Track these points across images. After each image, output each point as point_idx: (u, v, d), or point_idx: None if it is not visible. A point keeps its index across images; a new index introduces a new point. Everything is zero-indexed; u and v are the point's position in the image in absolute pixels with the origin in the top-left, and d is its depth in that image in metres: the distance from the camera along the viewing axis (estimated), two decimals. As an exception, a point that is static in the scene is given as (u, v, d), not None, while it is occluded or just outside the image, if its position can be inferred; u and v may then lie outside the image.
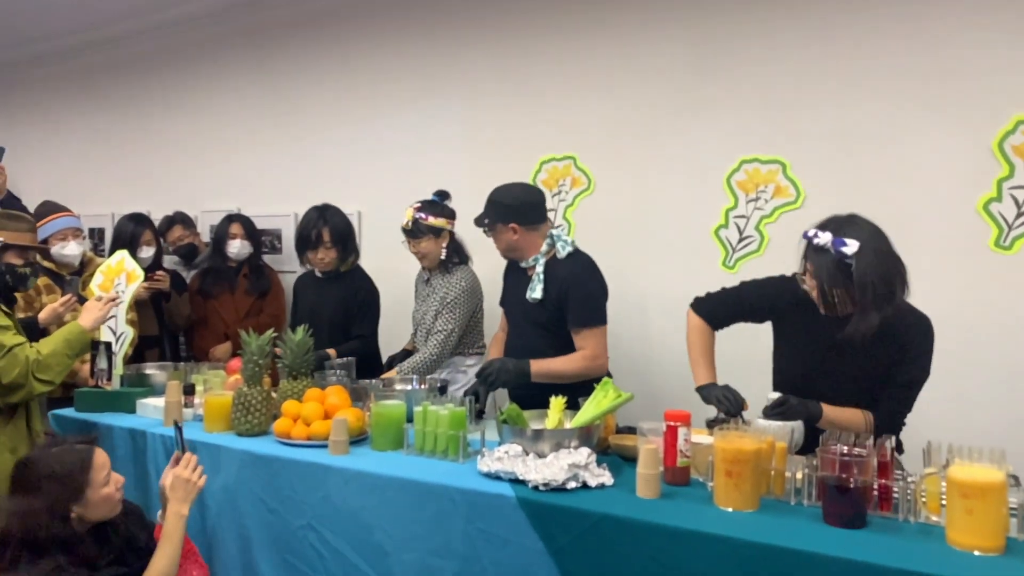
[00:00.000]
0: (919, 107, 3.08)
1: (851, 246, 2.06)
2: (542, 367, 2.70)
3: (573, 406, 2.32)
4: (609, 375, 2.88)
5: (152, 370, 3.24)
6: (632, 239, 3.67)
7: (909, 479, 1.80)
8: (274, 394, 2.67)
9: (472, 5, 4.10)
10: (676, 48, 3.57)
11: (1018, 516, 1.65)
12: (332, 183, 4.53)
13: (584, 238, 3.77)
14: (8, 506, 1.89)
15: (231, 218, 4.30)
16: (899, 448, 2.28)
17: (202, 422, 2.66)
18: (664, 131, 3.60)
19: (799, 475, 1.89)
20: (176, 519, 2.08)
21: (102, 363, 3.01)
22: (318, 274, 3.54)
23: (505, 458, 2.07)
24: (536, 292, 2.78)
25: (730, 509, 1.84)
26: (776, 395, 2.19)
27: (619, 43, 3.70)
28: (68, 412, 2.94)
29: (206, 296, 4.25)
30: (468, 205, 3.78)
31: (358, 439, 2.46)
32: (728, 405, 2.26)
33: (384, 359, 3.47)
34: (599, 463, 2.08)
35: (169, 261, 4.47)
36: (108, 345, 3.03)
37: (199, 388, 2.91)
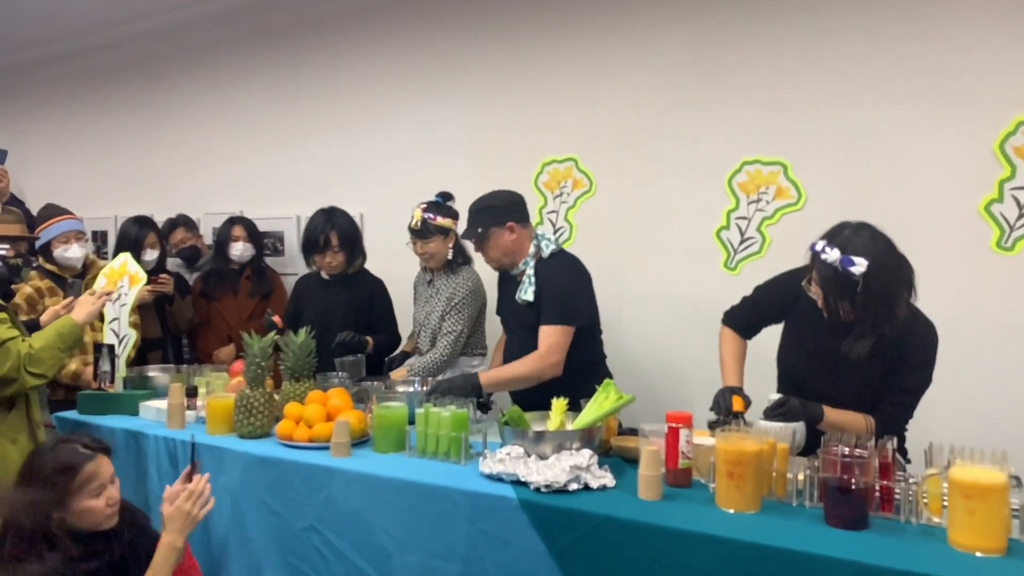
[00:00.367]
0: (920, 108, 3.08)
1: (859, 265, 2.05)
2: (491, 377, 2.68)
3: (575, 408, 2.32)
4: (610, 376, 2.88)
5: (154, 372, 3.25)
6: (633, 241, 3.67)
7: (911, 480, 1.80)
8: (276, 396, 2.67)
9: (474, 8, 4.11)
10: (677, 50, 3.57)
11: (1020, 517, 1.65)
12: (334, 185, 4.54)
13: (585, 240, 3.80)
14: (6, 495, 1.90)
15: (233, 220, 4.31)
16: (903, 453, 2.28)
17: (204, 424, 2.67)
18: (665, 133, 3.60)
19: (801, 476, 1.89)
20: (168, 550, 1.99)
21: (105, 366, 3.02)
22: (324, 276, 3.54)
23: (507, 460, 2.08)
24: (527, 294, 2.75)
25: (732, 510, 1.84)
26: (777, 396, 2.19)
27: (621, 45, 3.71)
28: (71, 414, 2.95)
29: (209, 298, 4.25)
30: (464, 206, 3.80)
31: (360, 441, 2.46)
32: (718, 408, 2.26)
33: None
34: (601, 465, 2.08)
35: (172, 264, 4.47)
36: (111, 348, 3.04)
37: (201, 390, 2.92)
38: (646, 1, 3.64)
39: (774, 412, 2.15)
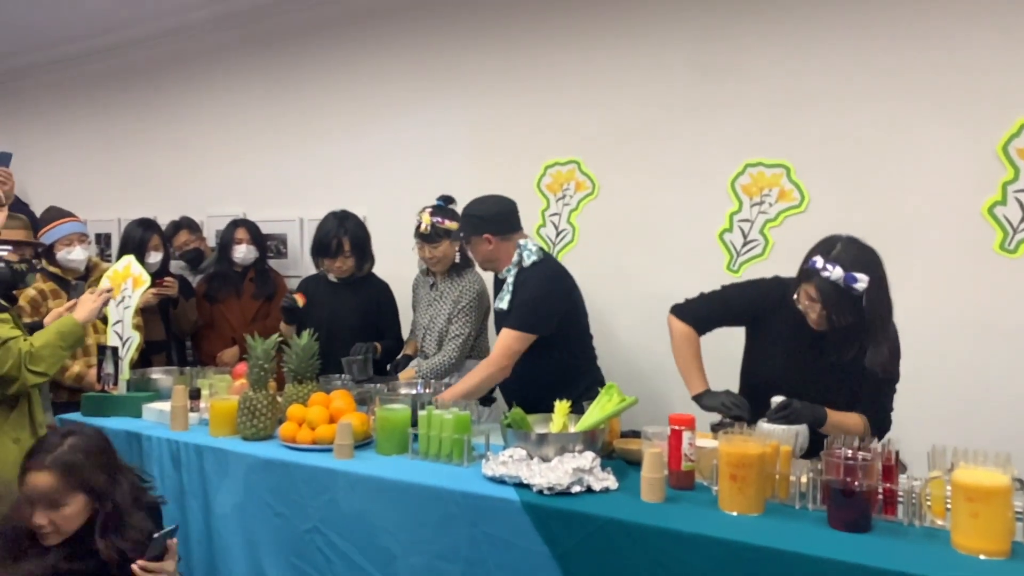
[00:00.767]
0: (924, 110, 3.08)
1: (862, 282, 2.12)
2: (451, 394, 2.66)
3: (578, 410, 2.32)
4: (601, 377, 2.89)
5: (158, 375, 3.26)
6: (636, 243, 3.67)
7: (914, 483, 1.79)
8: (279, 398, 2.67)
9: (476, 10, 4.11)
10: (679, 52, 3.57)
11: (1024, 520, 1.65)
12: (337, 188, 4.55)
13: (588, 242, 3.80)
14: (8, 493, 1.94)
15: (236, 223, 4.32)
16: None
17: (208, 426, 2.67)
18: (668, 135, 3.61)
19: (804, 479, 1.89)
20: None
21: (108, 368, 3.03)
22: (332, 279, 3.54)
23: (510, 462, 2.08)
24: (503, 303, 2.83)
25: (735, 513, 1.84)
26: (780, 399, 2.19)
27: (623, 47, 3.71)
28: (75, 416, 2.95)
29: (212, 301, 4.26)
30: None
31: (363, 443, 2.46)
32: (736, 410, 2.27)
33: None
34: (603, 467, 2.08)
35: (175, 266, 4.48)
36: (115, 350, 3.04)
37: (205, 392, 2.92)
38: (649, 3, 3.64)
39: (777, 415, 2.15)
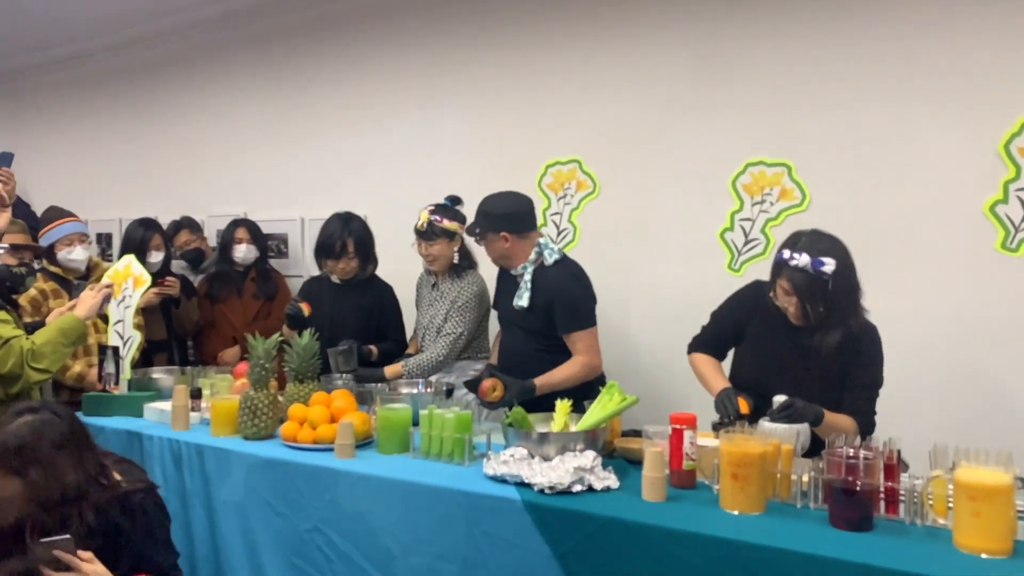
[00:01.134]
0: (925, 109, 3.07)
1: (829, 265, 2.20)
2: (544, 382, 2.70)
3: (578, 409, 2.32)
4: (604, 377, 2.89)
5: (159, 374, 3.26)
6: (637, 242, 3.67)
7: (916, 482, 1.79)
8: (280, 398, 2.68)
9: (478, 10, 4.11)
10: (681, 51, 3.57)
11: (1026, 519, 1.65)
12: (338, 188, 4.55)
13: (589, 242, 3.80)
14: None
15: (237, 223, 4.32)
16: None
17: (209, 426, 2.67)
18: (669, 134, 3.60)
19: (805, 478, 1.89)
20: None
21: (109, 367, 3.03)
22: (335, 280, 3.54)
23: (511, 461, 2.08)
24: (523, 300, 2.82)
25: (736, 512, 1.83)
26: (782, 398, 2.19)
27: (624, 46, 3.71)
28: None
29: (214, 301, 4.26)
30: (473, 209, 3.79)
31: (364, 443, 2.46)
32: (724, 411, 2.28)
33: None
34: (604, 466, 2.08)
35: (176, 266, 4.48)
36: (116, 349, 3.04)
37: (206, 392, 2.92)
38: (651, 3, 3.64)
39: (779, 414, 2.15)
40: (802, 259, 2.21)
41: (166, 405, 2.83)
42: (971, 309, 2.99)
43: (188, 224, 4.62)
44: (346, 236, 3.41)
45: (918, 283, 3.04)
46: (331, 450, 2.36)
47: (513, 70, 4.01)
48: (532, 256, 2.85)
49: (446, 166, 4.19)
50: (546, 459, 2.06)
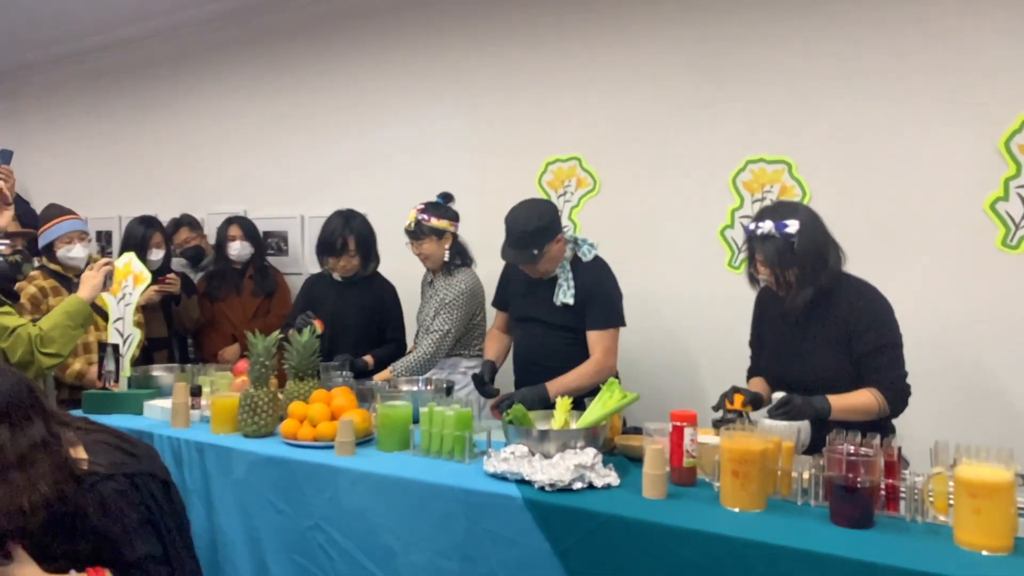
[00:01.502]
0: (926, 106, 3.07)
1: (792, 226, 2.24)
2: (557, 387, 2.67)
3: (579, 406, 2.32)
4: (616, 375, 2.89)
5: (159, 372, 3.25)
6: (638, 240, 3.67)
7: (916, 479, 1.79)
8: (280, 395, 2.67)
9: (478, 7, 4.11)
10: (681, 48, 3.57)
11: (1026, 516, 1.64)
12: (338, 185, 4.54)
13: (590, 239, 3.79)
14: None
15: (230, 220, 4.33)
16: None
17: (209, 424, 2.67)
18: (669, 131, 3.60)
19: (806, 475, 1.89)
20: None
21: (109, 365, 3.03)
22: (337, 278, 3.54)
23: (511, 459, 2.07)
24: (568, 297, 2.80)
25: (737, 509, 1.83)
26: (781, 395, 2.19)
27: (624, 43, 3.70)
28: (76, 414, 2.95)
29: (213, 299, 4.26)
30: (474, 206, 3.79)
31: (364, 440, 2.46)
32: (719, 403, 2.30)
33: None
34: (605, 464, 2.08)
35: (176, 263, 4.48)
36: (115, 347, 3.04)
37: (206, 390, 2.92)
38: (650, 1, 3.63)
39: (777, 411, 2.15)
40: (766, 225, 2.26)
41: (166, 403, 2.83)
42: (972, 306, 2.99)
43: (188, 222, 4.63)
44: (347, 233, 3.40)
45: (918, 280, 3.04)
46: (331, 448, 2.36)
47: (513, 68, 4.01)
48: (567, 253, 2.84)
49: (446, 163, 4.18)
50: (547, 456, 2.06)
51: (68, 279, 3.63)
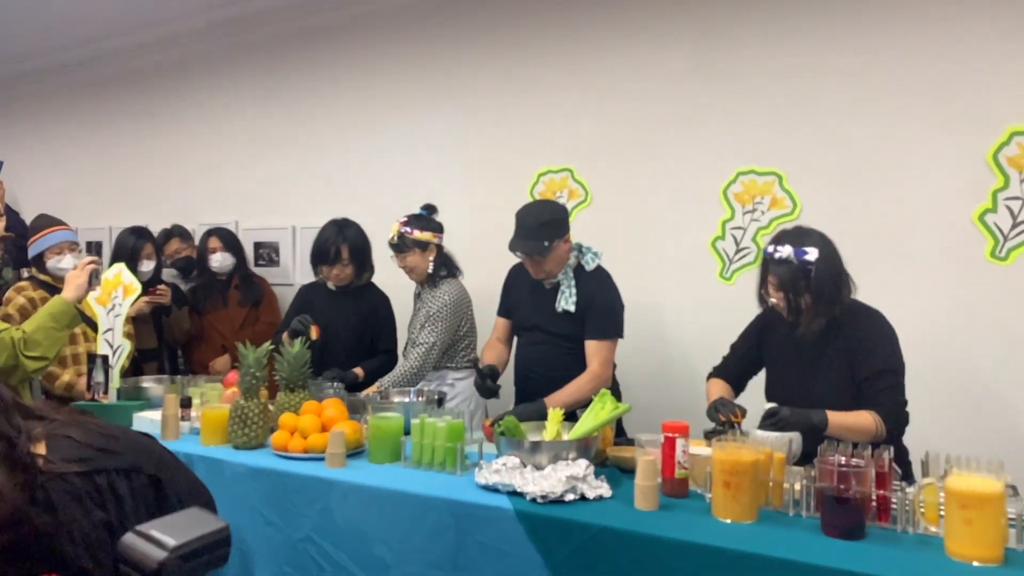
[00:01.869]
0: (915, 119, 3.10)
1: (811, 254, 2.25)
2: (555, 400, 2.64)
3: (571, 418, 2.32)
4: (617, 386, 2.90)
5: (149, 383, 3.23)
6: (629, 251, 3.67)
7: (907, 490, 1.79)
8: (271, 407, 2.66)
9: (469, 19, 4.12)
10: (673, 60, 3.59)
11: (1017, 526, 1.65)
12: (330, 196, 4.54)
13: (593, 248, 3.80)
14: None
15: (209, 232, 4.34)
16: (902, 457, 2.29)
17: (199, 435, 2.65)
18: (661, 143, 3.62)
19: (797, 486, 1.89)
20: None
21: (99, 376, 3.01)
22: (331, 287, 3.53)
23: (503, 470, 2.07)
24: (569, 304, 2.79)
25: (728, 520, 1.83)
26: (771, 406, 2.19)
27: (616, 55, 3.72)
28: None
29: (200, 312, 4.25)
30: (466, 216, 3.79)
31: (355, 452, 2.45)
32: (715, 414, 2.30)
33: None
34: (597, 475, 2.08)
35: (167, 274, 4.47)
36: (105, 358, 3.02)
37: (196, 401, 2.91)
38: (641, 12, 3.66)
39: (766, 422, 2.16)
40: (785, 250, 2.26)
41: (156, 414, 2.81)
42: (961, 317, 3.00)
43: (179, 232, 4.62)
44: (340, 242, 3.39)
45: (908, 292, 3.06)
46: (322, 459, 2.35)
47: (505, 79, 4.02)
48: (571, 260, 2.84)
49: (438, 175, 4.19)
50: (538, 468, 2.06)
51: (58, 290, 3.60)
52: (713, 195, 3.49)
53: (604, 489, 2.02)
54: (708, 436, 2.27)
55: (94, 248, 5.60)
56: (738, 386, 2.62)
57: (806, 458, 2.12)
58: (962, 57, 3.01)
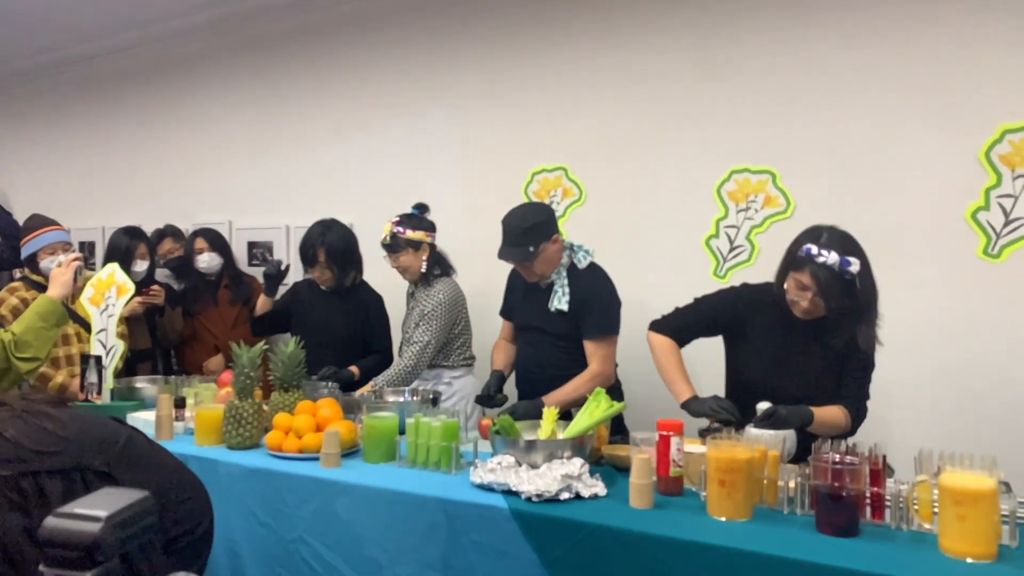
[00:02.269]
0: (908, 117, 3.10)
1: (855, 265, 2.21)
2: (554, 399, 2.65)
3: (566, 416, 2.32)
4: (618, 383, 2.90)
5: (142, 384, 3.23)
6: (623, 250, 3.67)
7: (901, 487, 1.80)
8: (265, 406, 2.66)
9: (464, 18, 4.12)
10: (667, 59, 3.59)
11: (1010, 523, 1.66)
12: (324, 196, 4.53)
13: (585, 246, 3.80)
14: None
15: (195, 234, 4.33)
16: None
17: (193, 435, 2.65)
18: (654, 141, 3.62)
19: (792, 484, 1.90)
20: None
21: (92, 377, 3.00)
22: (323, 287, 3.52)
23: (498, 469, 2.07)
24: (562, 304, 2.79)
25: (723, 518, 1.84)
26: (765, 405, 2.19)
27: (610, 54, 3.72)
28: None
29: (192, 314, 4.24)
30: (461, 216, 3.79)
31: (350, 451, 2.45)
32: (725, 414, 2.27)
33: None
34: (592, 473, 2.07)
35: (160, 274, 4.46)
36: (98, 359, 3.01)
37: (190, 401, 2.90)
38: (635, 11, 3.66)
39: (762, 422, 2.16)
40: (831, 257, 2.20)
41: (150, 415, 2.80)
42: (954, 315, 3.01)
43: (172, 232, 4.61)
44: (318, 245, 3.37)
45: (901, 290, 3.06)
46: (317, 459, 2.34)
47: (499, 79, 4.02)
48: (564, 259, 2.84)
49: (432, 174, 4.18)
50: (533, 467, 2.06)
51: (50, 290, 3.60)
52: (707, 193, 3.49)
53: (599, 487, 2.03)
54: (703, 434, 2.27)
55: (87, 248, 5.58)
56: (683, 343, 2.60)
57: (798, 455, 2.13)
58: (954, 56, 3.02)
